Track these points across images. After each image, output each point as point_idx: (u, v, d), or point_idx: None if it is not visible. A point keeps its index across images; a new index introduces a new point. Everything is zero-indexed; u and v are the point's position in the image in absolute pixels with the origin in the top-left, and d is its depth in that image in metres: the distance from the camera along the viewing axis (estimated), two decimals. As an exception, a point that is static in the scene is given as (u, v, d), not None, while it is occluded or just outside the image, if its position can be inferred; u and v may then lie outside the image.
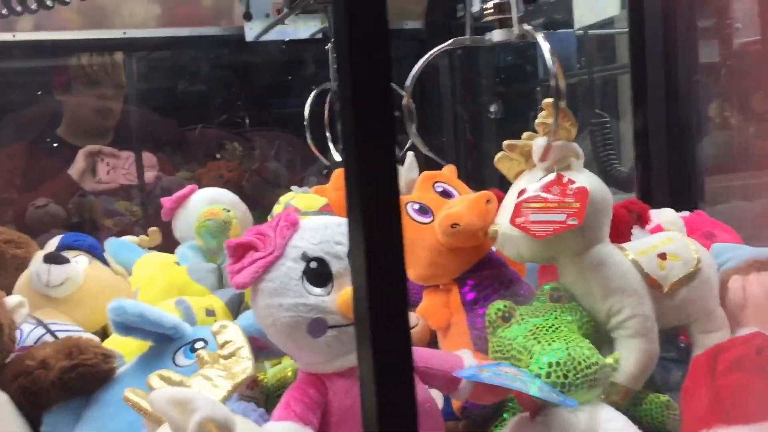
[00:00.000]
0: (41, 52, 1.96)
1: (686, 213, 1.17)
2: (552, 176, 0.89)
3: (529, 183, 0.91)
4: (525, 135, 0.95)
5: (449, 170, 1.05)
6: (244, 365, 0.64)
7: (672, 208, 1.26)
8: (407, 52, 2.27)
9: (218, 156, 2.31)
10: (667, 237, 0.93)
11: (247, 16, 1.84)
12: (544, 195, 0.88)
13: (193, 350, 0.83)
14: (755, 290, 0.90)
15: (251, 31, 1.86)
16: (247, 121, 2.30)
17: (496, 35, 1.03)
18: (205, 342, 0.84)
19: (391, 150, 0.36)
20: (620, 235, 1.05)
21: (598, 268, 0.87)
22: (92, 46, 1.94)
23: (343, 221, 0.79)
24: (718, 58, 1.41)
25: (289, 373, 0.88)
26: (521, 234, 0.88)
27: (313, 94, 1.56)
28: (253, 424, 0.63)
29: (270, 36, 1.85)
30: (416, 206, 0.98)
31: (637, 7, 1.29)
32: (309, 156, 1.66)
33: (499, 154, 0.97)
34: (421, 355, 0.81)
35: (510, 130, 1.95)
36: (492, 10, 1.02)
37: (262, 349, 0.85)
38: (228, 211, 1.39)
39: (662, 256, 0.90)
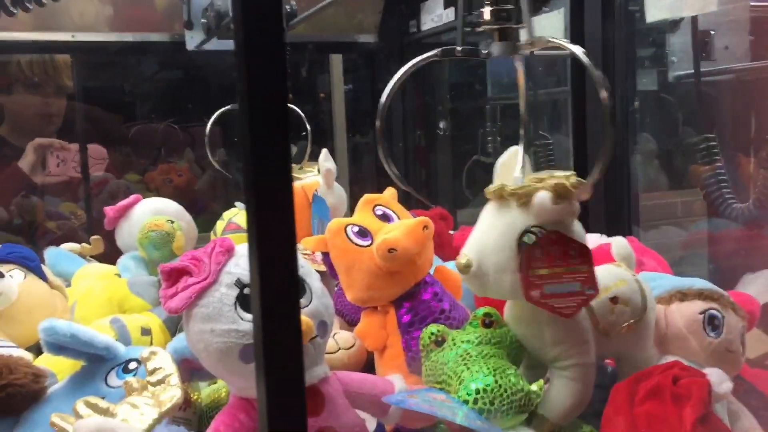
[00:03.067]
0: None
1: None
2: (551, 235, 0.81)
3: (506, 226, 0.83)
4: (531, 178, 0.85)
5: (389, 193, 1.07)
6: (171, 393, 0.64)
7: (606, 230, 1.31)
8: (360, 65, 2.29)
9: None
10: (619, 278, 0.92)
11: (188, 25, 1.85)
12: (545, 256, 0.81)
13: (126, 371, 0.83)
14: (676, 320, 0.94)
15: (192, 40, 1.86)
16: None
17: (497, 49, 0.87)
18: (138, 363, 0.84)
19: (287, 172, 0.37)
20: (554, 260, 1.09)
21: (554, 318, 0.84)
22: (40, 48, 1.91)
23: (278, 248, 0.80)
24: (657, 86, 1.47)
25: (223, 394, 0.89)
26: (492, 276, 0.83)
27: (216, 114, 1.61)
28: (180, 452, 0.63)
29: (212, 45, 1.86)
30: (356, 229, 1.00)
31: (578, 35, 1.33)
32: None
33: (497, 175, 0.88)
34: (353, 379, 0.82)
35: (459, 146, 1.99)
36: (490, 19, 0.86)
37: (196, 370, 0.85)
38: (172, 222, 1.39)
39: (614, 301, 0.90)
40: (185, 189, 2.37)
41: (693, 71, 1.30)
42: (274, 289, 0.39)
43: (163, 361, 0.68)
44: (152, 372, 0.66)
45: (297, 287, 0.40)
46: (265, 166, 0.36)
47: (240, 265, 0.75)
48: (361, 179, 2.40)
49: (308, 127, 1.57)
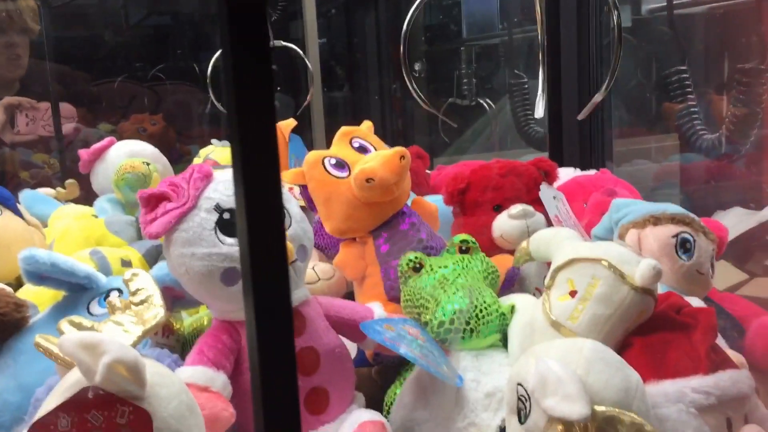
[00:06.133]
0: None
1: (592, 171, 1.23)
2: None
3: None
4: None
5: (366, 126, 1.07)
6: (155, 311, 0.65)
7: (580, 166, 1.33)
8: (361, 3, 2.25)
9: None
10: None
11: None
12: None
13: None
14: (650, 243, 0.96)
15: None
16: (163, 75, 2.27)
17: None
18: (120, 292, 0.84)
19: (271, 114, 0.37)
20: (529, 191, 1.11)
21: None
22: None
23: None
24: (630, 23, 1.47)
25: (205, 322, 0.90)
26: None
27: (216, 55, 1.61)
28: (165, 367, 0.65)
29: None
30: (333, 161, 1.00)
31: (553, -30, 1.33)
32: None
33: None
34: (333, 305, 0.84)
35: (434, 88, 1.98)
36: None
37: (178, 298, 0.86)
38: (148, 164, 1.38)
39: None
40: (160, 138, 2.34)
41: (666, 4, 1.30)
42: (260, 213, 0.39)
43: (145, 281, 0.68)
44: (135, 292, 0.67)
45: (281, 209, 0.40)
46: (249, 89, 0.36)
47: (219, 190, 0.75)
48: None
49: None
